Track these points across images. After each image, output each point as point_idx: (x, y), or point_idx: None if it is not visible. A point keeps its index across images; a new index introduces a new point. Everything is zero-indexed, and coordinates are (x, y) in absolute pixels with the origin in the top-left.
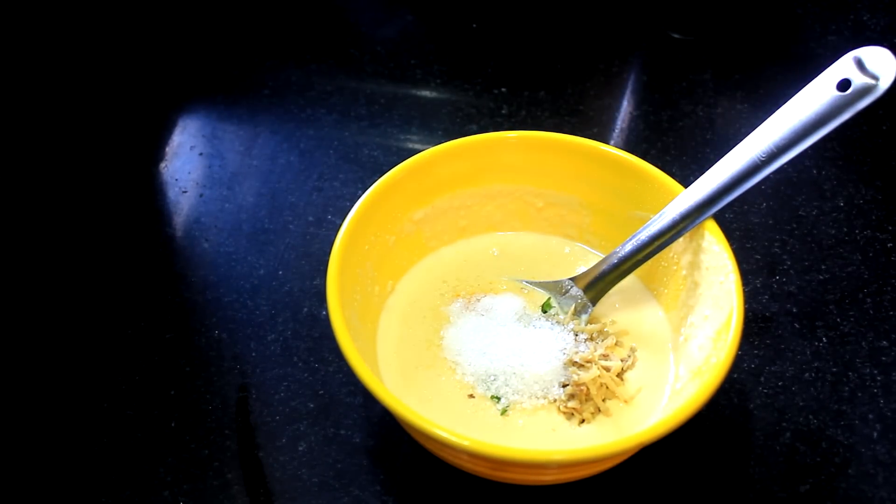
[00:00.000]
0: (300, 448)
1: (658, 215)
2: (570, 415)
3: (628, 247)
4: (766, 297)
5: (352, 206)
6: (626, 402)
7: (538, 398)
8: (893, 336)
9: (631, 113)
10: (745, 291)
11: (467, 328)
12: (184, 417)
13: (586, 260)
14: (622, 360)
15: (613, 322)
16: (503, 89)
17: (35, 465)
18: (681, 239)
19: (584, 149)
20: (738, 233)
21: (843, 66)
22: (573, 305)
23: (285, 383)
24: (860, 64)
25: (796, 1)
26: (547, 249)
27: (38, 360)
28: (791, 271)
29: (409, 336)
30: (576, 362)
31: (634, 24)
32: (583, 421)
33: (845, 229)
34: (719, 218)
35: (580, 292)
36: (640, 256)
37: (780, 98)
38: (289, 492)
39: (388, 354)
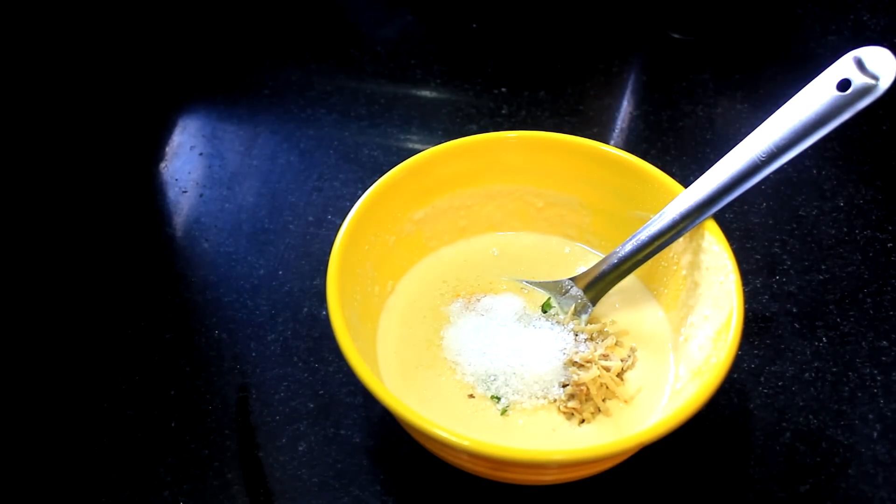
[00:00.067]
0: (300, 448)
1: (658, 215)
2: (570, 415)
3: (628, 247)
4: (766, 297)
5: (352, 206)
6: (626, 402)
7: (538, 398)
8: (893, 336)
9: (631, 113)
10: (745, 291)
11: (467, 328)
12: (184, 417)
13: (586, 260)
14: (622, 360)
15: (613, 322)
16: (503, 89)
17: (35, 465)
18: (681, 239)
19: (584, 149)
20: (738, 233)
21: (843, 66)
22: (573, 305)
23: (285, 383)
24: (860, 64)
25: (796, 1)
26: (547, 249)
27: (38, 360)
28: (791, 271)
29: (409, 336)
30: (576, 362)
31: (634, 24)
32: (583, 421)
33: (845, 229)
34: (719, 218)
35: (580, 292)
36: (640, 256)
37: (780, 98)
38: (289, 492)
39: (388, 354)
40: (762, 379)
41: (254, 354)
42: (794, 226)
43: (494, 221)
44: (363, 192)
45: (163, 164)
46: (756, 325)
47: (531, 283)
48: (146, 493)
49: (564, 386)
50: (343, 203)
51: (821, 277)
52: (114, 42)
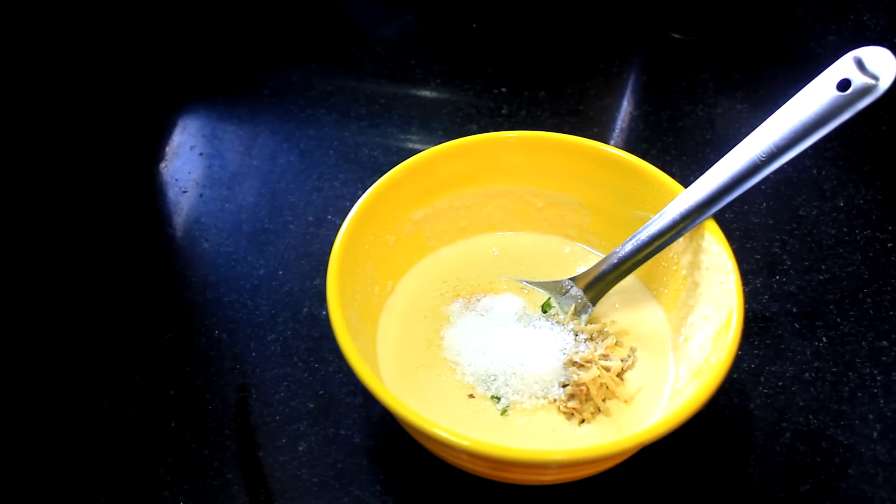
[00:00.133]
0: (300, 448)
1: (658, 215)
2: (570, 415)
3: (628, 247)
4: (766, 297)
5: (352, 206)
6: (626, 402)
7: (538, 398)
8: (893, 336)
9: (631, 113)
10: (745, 291)
11: (467, 328)
12: (184, 417)
13: (586, 260)
14: (622, 360)
15: (613, 322)
16: (503, 89)
17: (35, 465)
18: (681, 239)
19: (584, 149)
20: (738, 233)
21: (843, 66)
22: (573, 305)
23: (285, 383)
24: (860, 64)
25: (796, 1)
26: (547, 249)
27: (38, 360)
28: (791, 271)
29: (409, 336)
30: (576, 362)
31: (634, 24)
32: (583, 421)
33: (845, 229)
34: (719, 218)
35: (580, 292)
36: (640, 256)
37: (780, 98)
38: (289, 492)
39: (388, 354)
40: (762, 379)
41: (254, 354)
42: (794, 226)
43: (494, 221)
44: (363, 192)
45: (163, 164)
46: (756, 325)
47: (531, 283)
48: (146, 493)
49: (564, 386)
50: (343, 203)
51: (821, 277)
52: (114, 42)
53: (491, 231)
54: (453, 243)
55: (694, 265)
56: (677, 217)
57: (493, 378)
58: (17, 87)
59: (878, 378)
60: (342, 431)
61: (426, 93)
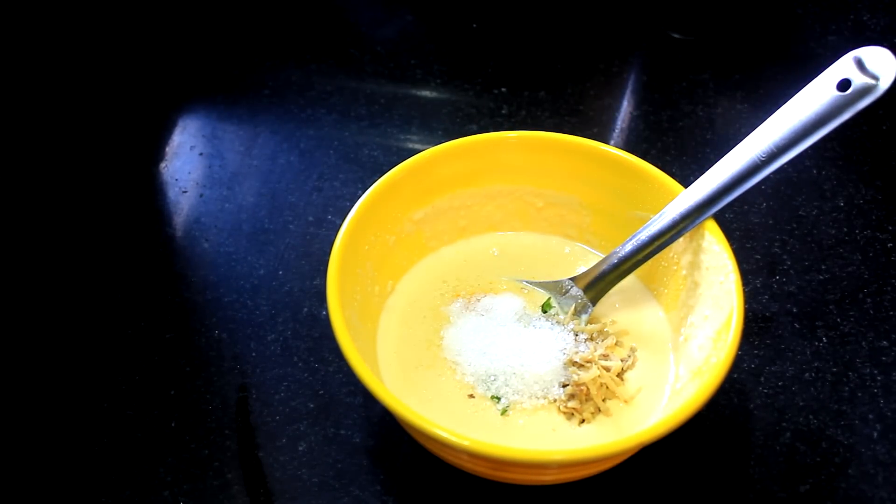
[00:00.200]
0: (300, 448)
1: (658, 215)
2: (570, 415)
3: (628, 247)
4: (766, 297)
5: (352, 206)
6: (626, 402)
7: (538, 398)
8: (893, 336)
9: (631, 113)
10: (745, 291)
11: (467, 328)
12: (184, 417)
13: (586, 260)
14: (622, 360)
15: (613, 322)
16: (503, 89)
17: (35, 465)
18: (681, 239)
19: (584, 149)
20: (738, 233)
21: (843, 66)
22: (573, 305)
23: (285, 383)
24: (860, 64)
25: (796, 1)
26: (547, 249)
27: (38, 360)
28: (791, 271)
29: (409, 336)
30: (576, 362)
31: (634, 24)
32: (583, 421)
33: (845, 229)
34: (719, 218)
35: (580, 292)
36: (640, 256)
37: (780, 98)
38: (289, 492)
39: (388, 354)
40: (762, 379)
41: (254, 354)
42: (794, 226)
43: (494, 221)
44: (363, 192)
45: (163, 164)
46: (756, 325)
47: (531, 283)
48: (146, 493)
49: (564, 386)
50: (343, 203)
51: (821, 277)
52: (114, 42)
53: (491, 231)
54: (453, 243)
55: (694, 265)
56: (677, 217)
57: (493, 378)
58: (18, 87)
59: (878, 378)
60: (342, 431)
61: (426, 93)
